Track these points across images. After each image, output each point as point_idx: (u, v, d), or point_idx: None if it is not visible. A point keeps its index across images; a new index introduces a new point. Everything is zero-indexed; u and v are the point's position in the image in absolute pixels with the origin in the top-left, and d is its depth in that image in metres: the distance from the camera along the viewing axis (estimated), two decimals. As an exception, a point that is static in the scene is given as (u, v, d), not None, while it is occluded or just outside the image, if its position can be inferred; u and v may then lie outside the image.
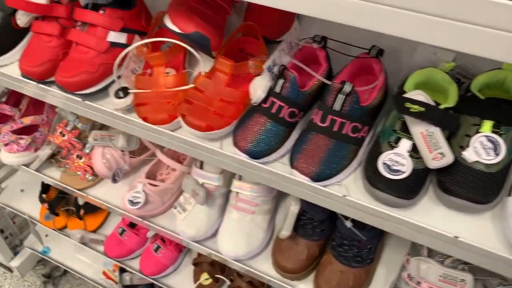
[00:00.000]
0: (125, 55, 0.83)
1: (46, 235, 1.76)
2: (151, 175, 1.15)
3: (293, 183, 0.75)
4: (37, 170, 1.24)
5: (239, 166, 0.79)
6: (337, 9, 0.52)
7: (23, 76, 0.92)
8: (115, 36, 0.89)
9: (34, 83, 0.92)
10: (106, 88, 0.90)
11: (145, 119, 0.84)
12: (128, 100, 0.87)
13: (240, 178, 1.03)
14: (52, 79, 0.93)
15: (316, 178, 0.72)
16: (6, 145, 1.21)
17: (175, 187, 1.13)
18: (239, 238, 1.02)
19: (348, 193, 0.72)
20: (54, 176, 1.24)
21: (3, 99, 1.32)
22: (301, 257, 0.97)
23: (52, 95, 0.91)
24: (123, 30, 0.89)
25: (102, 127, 1.27)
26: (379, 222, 0.72)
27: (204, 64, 0.82)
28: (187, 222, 1.06)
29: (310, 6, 0.53)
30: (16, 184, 1.64)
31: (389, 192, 0.68)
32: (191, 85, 0.83)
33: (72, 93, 0.88)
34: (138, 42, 0.80)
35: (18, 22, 0.95)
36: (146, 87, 0.85)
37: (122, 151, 1.15)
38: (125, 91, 0.87)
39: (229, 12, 0.85)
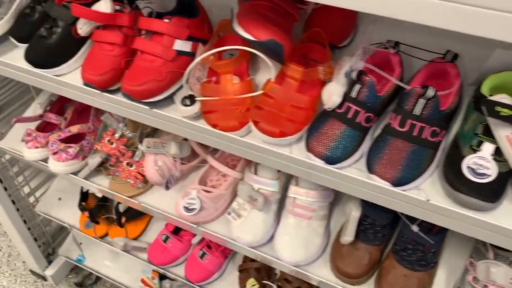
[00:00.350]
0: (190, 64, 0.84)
1: (80, 243, 1.76)
2: (201, 182, 1.15)
3: (371, 189, 0.75)
4: (84, 178, 1.24)
5: (311, 171, 0.80)
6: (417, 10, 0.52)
7: (85, 84, 0.93)
8: (181, 45, 0.89)
9: (98, 91, 0.92)
10: (171, 96, 0.91)
11: (214, 126, 0.84)
12: (196, 107, 0.87)
13: (297, 184, 1.04)
14: (114, 87, 0.94)
15: (397, 183, 0.72)
16: (54, 153, 1.21)
17: (228, 193, 1.14)
18: (297, 244, 1.02)
19: (429, 197, 0.72)
20: (102, 184, 1.24)
21: (48, 108, 1.32)
22: (363, 262, 0.97)
23: (116, 103, 0.92)
24: (188, 38, 0.89)
25: (150, 134, 1.28)
26: (459, 225, 0.72)
27: (266, 71, 0.82)
28: (243, 228, 1.06)
29: (391, 6, 0.54)
30: (53, 193, 1.64)
31: (474, 196, 0.68)
32: (260, 92, 0.84)
33: (139, 101, 0.88)
34: (212, 51, 0.81)
35: (79, 31, 0.95)
36: (214, 94, 0.86)
37: (174, 158, 1.16)
38: (191, 99, 0.87)
39: (297, 19, 0.85)
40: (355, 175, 0.76)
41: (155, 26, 0.88)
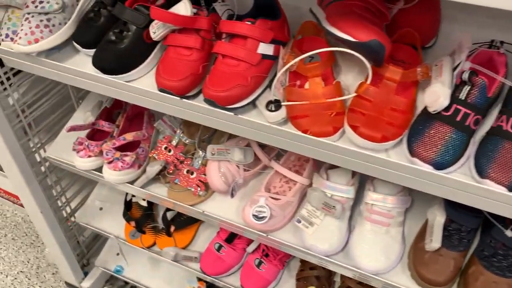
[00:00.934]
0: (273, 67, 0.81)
1: (117, 254, 1.72)
2: (266, 189, 1.12)
3: (483, 194, 0.72)
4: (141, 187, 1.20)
5: (414, 177, 0.76)
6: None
7: (162, 91, 0.89)
8: (264, 48, 0.86)
9: (176, 98, 0.88)
10: (253, 101, 0.87)
11: (305, 132, 0.81)
12: (283, 113, 0.84)
13: (374, 189, 1.00)
14: (192, 93, 0.90)
15: (513, 188, 0.69)
16: (110, 162, 1.17)
17: (295, 200, 1.10)
18: (377, 252, 0.99)
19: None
20: (159, 192, 1.20)
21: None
22: (449, 268, 0.94)
23: (196, 110, 0.88)
24: (272, 41, 0.86)
25: (207, 140, 1.24)
26: None
27: (348, 72, 0.78)
28: (317, 236, 1.02)
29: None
30: (93, 202, 1.60)
31: None
32: (353, 94, 0.81)
33: (223, 107, 0.85)
34: (307, 54, 0.77)
35: (153, 35, 0.91)
36: (303, 98, 0.83)
37: (237, 164, 1.12)
38: (277, 104, 0.84)
39: (388, 19, 0.82)
40: (464, 180, 0.73)
41: (239, 29, 0.85)
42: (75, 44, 0.99)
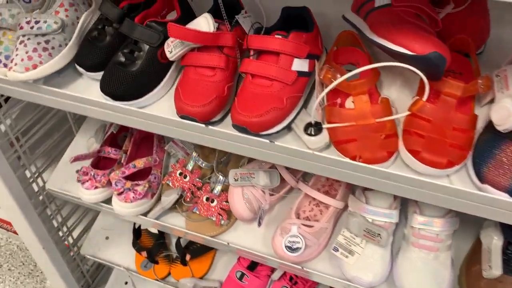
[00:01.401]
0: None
1: (125, 283, 1.61)
2: (296, 214, 1.02)
3: None
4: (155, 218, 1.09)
5: (482, 205, 0.67)
6: None
7: (184, 117, 0.78)
8: (299, 64, 0.76)
9: (201, 125, 0.77)
10: (289, 124, 0.77)
11: (354, 159, 0.71)
12: (325, 137, 0.74)
13: (421, 212, 0.91)
14: (216, 118, 0.79)
15: None
16: (120, 193, 1.06)
17: (330, 226, 1.00)
18: (426, 280, 0.89)
19: None
20: (176, 223, 1.09)
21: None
22: (510, 296, 0.85)
23: (224, 138, 0.77)
24: (307, 56, 0.76)
25: (224, 162, 1.13)
26: None
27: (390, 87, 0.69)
28: (359, 266, 0.93)
29: None
30: (98, 231, 1.48)
31: None
32: (406, 113, 0.71)
33: (257, 134, 0.74)
34: (355, 71, 0.67)
35: (169, 55, 0.81)
36: (347, 119, 0.72)
37: (263, 189, 1.02)
38: (317, 126, 0.74)
39: (440, 25, 0.72)
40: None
41: (271, 44, 0.74)
42: (78, 67, 0.88)
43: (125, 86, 0.81)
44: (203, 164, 1.10)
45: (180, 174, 1.09)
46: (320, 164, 0.74)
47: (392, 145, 0.71)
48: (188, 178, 1.08)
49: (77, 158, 1.08)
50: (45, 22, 0.86)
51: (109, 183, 1.09)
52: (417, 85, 0.77)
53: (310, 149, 0.74)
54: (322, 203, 1.03)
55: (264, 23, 0.78)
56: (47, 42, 0.85)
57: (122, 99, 0.82)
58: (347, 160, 0.71)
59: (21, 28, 0.86)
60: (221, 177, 1.06)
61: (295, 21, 0.80)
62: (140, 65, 0.82)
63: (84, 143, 1.25)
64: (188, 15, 0.86)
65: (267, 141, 0.74)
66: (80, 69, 0.88)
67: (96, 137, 1.14)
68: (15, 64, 0.83)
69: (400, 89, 0.82)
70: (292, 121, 0.77)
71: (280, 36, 0.76)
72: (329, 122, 0.75)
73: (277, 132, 0.75)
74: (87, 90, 0.89)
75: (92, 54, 0.87)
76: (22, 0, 0.94)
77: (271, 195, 1.04)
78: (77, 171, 1.10)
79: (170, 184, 1.09)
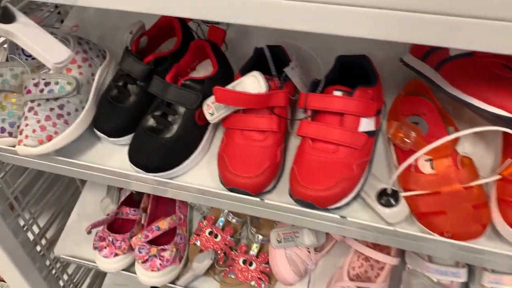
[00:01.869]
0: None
1: None
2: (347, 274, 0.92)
3: None
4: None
5: None
6: None
7: (233, 190, 0.67)
8: (366, 124, 0.66)
9: (256, 199, 0.67)
10: (358, 193, 0.67)
11: (442, 234, 0.61)
12: (404, 208, 0.64)
13: (493, 269, 0.82)
14: (270, 187, 0.69)
15: None
16: (145, 261, 0.94)
17: (386, 286, 0.90)
18: None
19: None
20: (208, 288, 0.98)
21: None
22: None
23: (282, 211, 0.67)
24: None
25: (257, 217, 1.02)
26: None
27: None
28: (427, 331, 0.83)
29: None
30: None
31: None
32: (496, 177, 0.62)
33: (325, 209, 0.64)
34: (451, 136, 0.57)
35: (210, 117, 0.70)
36: (430, 186, 0.63)
37: (308, 248, 0.91)
38: (394, 195, 0.64)
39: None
40: None
41: (336, 104, 0.64)
42: (97, 132, 0.76)
43: (159, 155, 0.70)
44: (234, 220, 0.99)
45: (210, 233, 0.97)
46: (399, 238, 0.64)
47: (484, 216, 0.62)
48: (219, 237, 0.97)
49: (94, 226, 0.95)
50: (56, 83, 0.73)
51: (130, 248, 0.97)
52: (498, 141, 0.68)
53: (388, 222, 0.64)
54: (373, 258, 0.93)
55: (321, 73, 0.68)
56: (61, 107, 0.73)
57: (157, 170, 0.71)
58: (438, 237, 0.61)
59: (29, 92, 0.73)
60: (259, 236, 0.95)
61: (352, 71, 0.70)
62: (176, 130, 0.70)
63: (92, 199, 1.12)
64: (225, 69, 0.75)
65: (337, 216, 0.64)
66: (101, 135, 0.76)
67: (110, 196, 1.01)
68: (26, 137, 0.70)
69: (475, 142, 0.73)
70: (361, 188, 0.67)
71: (340, 93, 0.66)
72: (405, 189, 0.65)
73: (347, 204, 0.65)
74: (108, 157, 0.77)
75: (114, 117, 0.75)
76: (23, 55, 0.81)
77: (316, 253, 0.93)
78: (88, 231, 0.97)
79: (199, 244, 0.98)
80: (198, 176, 0.74)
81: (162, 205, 1.05)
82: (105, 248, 0.97)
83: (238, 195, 0.67)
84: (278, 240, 0.89)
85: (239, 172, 0.66)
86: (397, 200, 0.64)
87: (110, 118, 0.75)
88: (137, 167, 0.71)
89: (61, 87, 0.73)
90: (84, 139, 0.78)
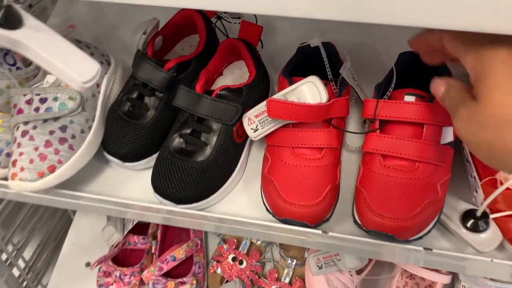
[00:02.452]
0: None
1: None
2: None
3: None
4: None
5: None
6: None
7: (288, 222, 0.55)
8: (448, 134, 0.55)
9: (315, 231, 0.55)
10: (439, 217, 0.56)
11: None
12: (496, 233, 0.53)
13: None
14: (328, 215, 0.57)
15: None
16: (161, 298, 0.81)
17: (438, 306, 0.81)
18: None
19: None
20: (234, 322, 0.85)
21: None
22: None
23: (346, 243, 0.55)
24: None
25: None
26: None
27: None
28: None
29: None
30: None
31: None
32: None
33: (405, 240, 0.53)
34: None
35: (253, 134, 0.57)
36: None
37: (350, 271, 0.80)
38: (484, 218, 0.54)
39: None
40: None
41: (416, 113, 0.53)
42: (108, 156, 0.62)
43: (192, 183, 0.57)
44: (258, 242, 0.87)
45: (234, 259, 0.85)
46: (493, 269, 0.54)
47: None
48: (245, 264, 0.84)
49: (100, 262, 0.81)
50: (55, 99, 0.59)
51: (141, 284, 0.83)
52: None
53: (479, 251, 0.54)
54: (418, 276, 0.83)
55: (350, 76, 0.56)
56: (63, 129, 0.59)
57: (189, 201, 0.58)
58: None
59: (20, 111, 0.59)
60: (291, 260, 0.83)
61: (417, 69, 0.59)
62: (212, 152, 0.57)
63: (88, 224, 0.97)
64: (263, 73, 0.63)
65: (420, 248, 0.53)
66: (113, 159, 0.62)
67: (113, 223, 0.87)
68: (22, 169, 0.56)
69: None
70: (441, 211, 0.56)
71: (412, 98, 0.54)
72: (491, 210, 0.55)
73: (429, 231, 0.54)
74: (123, 186, 0.63)
75: (129, 138, 0.61)
76: (5, 63, 0.66)
77: (358, 273, 0.82)
78: (87, 265, 0.83)
79: (220, 272, 0.85)
80: (236, 204, 0.61)
81: (174, 229, 0.92)
82: (112, 285, 0.83)
83: (293, 228, 0.55)
84: (318, 266, 0.77)
85: (294, 200, 0.54)
86: (487, 223, 0.54)
87: (124, 139, 0.61)
88: (165, 198, 0.57)
89: (62, 104, 0.59)
90: (91, 164, 0.63)
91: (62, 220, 1.05)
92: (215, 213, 0.59)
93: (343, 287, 0.80)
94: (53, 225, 1.04)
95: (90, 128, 0.61)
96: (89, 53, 0.63)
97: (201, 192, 0.58)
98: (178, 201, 0.57)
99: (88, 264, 0.92)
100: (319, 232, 0.55)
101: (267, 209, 0.58)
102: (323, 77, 0.56)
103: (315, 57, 0.59)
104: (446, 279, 0.80)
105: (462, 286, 0.79)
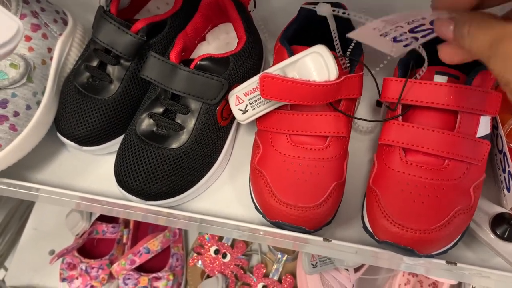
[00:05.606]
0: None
1: None
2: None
3: None
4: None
5: None
6: None
7: (280, 225, 0.45)
8: (485, 125, 0.44)
9: (317, 238, 0.45)
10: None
11: None
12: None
13: None
14: (331, 217, 0.47)
15: None
16: (133, 295, 0.71)
17: (444, 309, 0.72)
18: None
19: None
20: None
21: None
22: None
23: (350, 251, 0.45)
24: (495, 107, 0.44)
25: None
26: None
27: None
28: None
29: None
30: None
31: None
32: None
33: (429, 255, 0.43)
34: None
35: (242, 117, 0.46)
36: None
37: (347, 268, 0.71)
38: (520, 227, 0.44)
39: None
40: None
41: (453, 97, 0.41)
42: (62, 139, 0.50)
43: (164, 175, 0.46)
44: (246, 232, 0.76)
45: (217, 252, 0.75)
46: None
47: None
48: (228, 257, 0.74)
49: (61, 254, 0.70)
50: (-9, 66, 0.46)
51: (111, 277, 0.73)
52: None
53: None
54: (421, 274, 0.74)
55: (424, 52, 0.44)
56: (2, 104, 0.47)
57: (161, 196, 0.46)
58: None
59: None
60: (281, 255, 0.73)
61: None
62: (190, 137, 0.46)
63: (52, 208, 0.86)
64: (255, 39, 0.50)
65: (442, 262, 0.43)
66: (68, 142, 0.50)
67: (82, 212, 0.76)
68: None
69: None
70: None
71: (444, 79, 0.43)
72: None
73: (456, 244, 0.44)
74: (81, 175, 0.52)
75: (88, 117, 0.49)
76: None
77: (355, 272, 0.73)
78: (53, 255, 0.72)
79: (201, 265, 0.75)
80: (219, 200, 0.51)
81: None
82: (77, 279, 0.73)
83: (287, 233, 0.45)
84: (313, 265, 0.68)
85: (290, 200, 0.43)
86: (522, 232, 0.44)
87: (81, 118, 0.49)
88: (130, 193, 0.46)
89: (0, 72, 0.46)
90: (43, 147, 0.52)
91: (25, 200, 0.94)
92: (192, 211, 0.48)
93: (339, 286, 0.71)
94: (15, 204, 0.92)
95: (38, 103, 0.49)
96: (38, 9, 0.50)
97: (175, 187, 0.47)
98: (147, 196, 0.46)
99: (52, 252, 0.81)
100: (320, 239, 0.45)
101: (256, 208, 0.47)
102: (332, 48, 0.44)
103: (322, 21, 0.47)
104: (454, 280, 0.71)
105: (472, 287, 0.70)
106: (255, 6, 0.51)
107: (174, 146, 0.46)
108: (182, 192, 0.48)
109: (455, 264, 0.43)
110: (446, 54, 0.31)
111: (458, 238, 0.44)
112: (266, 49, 0.56)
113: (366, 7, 0.50)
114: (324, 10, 0.42)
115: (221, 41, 0.54)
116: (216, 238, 0.76)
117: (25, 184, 0.49)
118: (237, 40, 0.50)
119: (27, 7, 0.49)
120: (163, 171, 0.46)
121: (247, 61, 0.48)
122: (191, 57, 0.52)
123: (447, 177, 0.42)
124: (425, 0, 0.34)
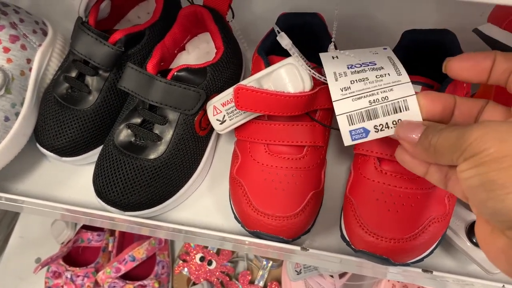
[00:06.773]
0: None
1: None
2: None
3: None
4: (172, 326, 0.76)
5: None
6: None
7: (259, 235, 0.45)
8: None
9: (295, 247, 0.45)
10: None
11: None
12: None
13: None
14: (309, 226, 0.48)
15: None
16: (118, 303, 0.71)
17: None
18: None
19: None
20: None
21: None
22: None
23: (329, 260, 0.46)
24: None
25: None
26: None
27: None
28: None
29: None
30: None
31: None
32: None
33: (405, 264, 0.43)
34: None
35: (220, 127, 0.46)
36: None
37: (331, 274, 0.71)
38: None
39: None
40: None
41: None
42: (42, 149, 0.50)
43: (142, 186, 0.46)
44: (231, 239, 0.76)
45: (202, 259, 0.75)
46: (507, 297, 0.44)
47: None
48: (214, 264, 0.74)
49: (46, 263, 0.70)
50: (-31, 77, 0.46)
51: (96, 286, 0.73)
52: None
53: (488, 271, 0.44)
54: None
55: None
56: (-20, 116, 0.46)
57: (139, 207, 0.47)
58: None
59: None
60: (266, 262, 0.73)
61: (422, 52, 0.48)
62: (168, 148, 0.46)
63: (38, 219, 0.86)
64: (234, 50, 0.51)
65: (419, 270, 0.43)
66: (47, 153, 0.50)
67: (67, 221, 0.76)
68: None
69: None
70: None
71: (418, 88, 0.44)
72: None
73: (432, 252, 0.44)
74: (60, 185, 0.52)
75: (67, 127, 0.49)
76: None
77: (340, 278, 0.73)
78: (38, 261, 0.73)
79: (187, 273, 0.75)
80: (198, 210, 0.51)
81: (135, 223, 0.81)
82: (62, 287, 0.73)
83: (265, 242, 0.45)
84: (297, 271, 0.68)
85: (268, 209, 0.43)
86: None
87: (60, 129, 0.49)
88: (108, 204, 0.46)
89: (-22, 84, 0.46)
90: (23, 158, 0.52)
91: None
92: (171, 222, 0.48)
93: (323, 292, 0.71)
94: (1, 213, 0.92)
95: (17, 114, 0.49)
96: (16, 20, 0.50)
97: (153, 197, 0.47)
98: (125, 207, 0.46)
99: (38, 260, 0.81)
100: (297, 248, 0.45)
101: (235, 217, 0.48)
102: (311, 56, 0.44)
103: (301, 31, 0.47)
104: None
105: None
106: (233, 17, 0.52)
107: (152, 156, 0.46)
108: (161, 203, 0.48)
109: (431, 272, 0.44)
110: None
111: (434, 246, 0.44)
112: (246, 58, 0.56)
113: (344, 13, 0.50)
114: (284, 43, 0.42)
115: (201, 50, 0.54)
116: (201, 246, 0.76)
117: (10, 197, 0.49)
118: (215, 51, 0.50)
119: (5, 18, 0.49)
120: (141, 182, 0.46)
121: (225, 71, 0.49)
122: (171, 67, 0.52)
123: (421, 186, 0.42)
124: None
